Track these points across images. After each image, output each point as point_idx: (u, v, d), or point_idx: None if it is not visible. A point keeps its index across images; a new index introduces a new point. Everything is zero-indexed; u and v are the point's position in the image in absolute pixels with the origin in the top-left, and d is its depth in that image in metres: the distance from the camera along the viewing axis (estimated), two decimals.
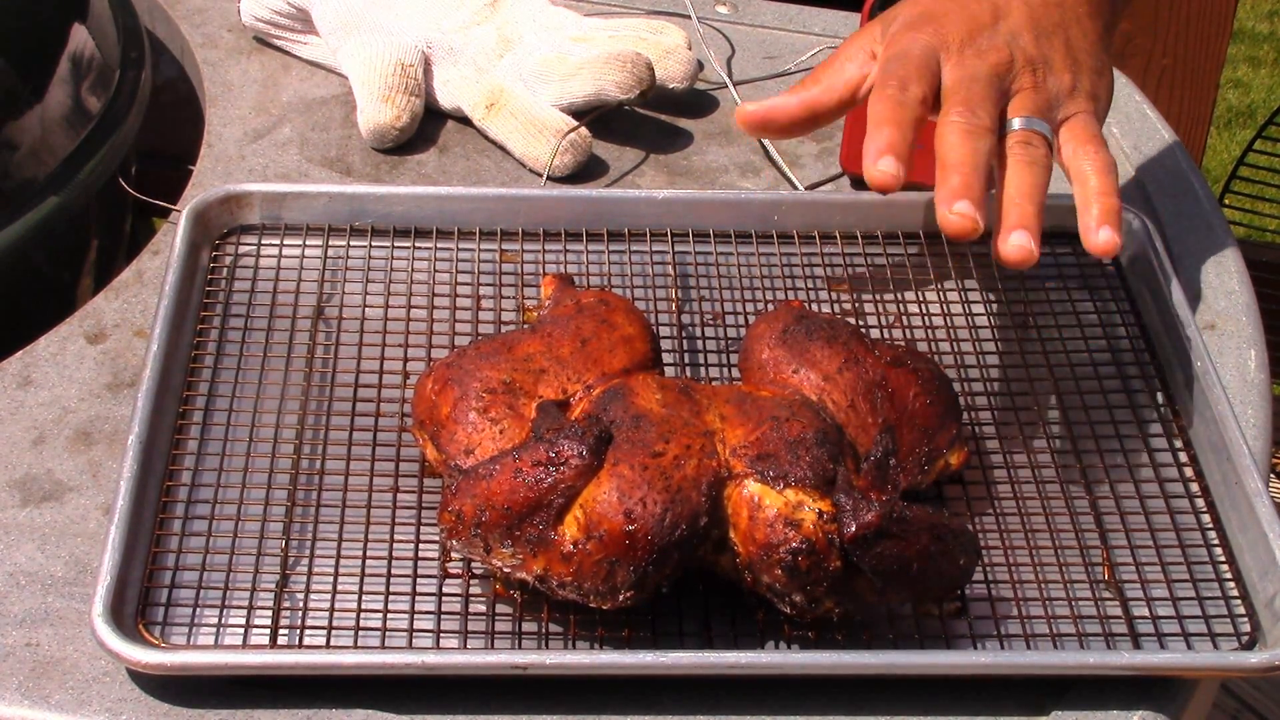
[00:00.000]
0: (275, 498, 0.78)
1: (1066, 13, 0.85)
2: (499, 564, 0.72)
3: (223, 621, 0.73)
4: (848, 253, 0.94)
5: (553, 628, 0.74)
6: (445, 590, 0.74)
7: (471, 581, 0.75)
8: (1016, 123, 0.81)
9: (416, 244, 0.93)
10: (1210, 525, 0.80)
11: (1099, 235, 0.79)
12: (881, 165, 0.78)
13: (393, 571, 0.75)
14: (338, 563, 0.75)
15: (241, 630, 0.72)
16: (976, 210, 0.76)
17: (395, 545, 0.76)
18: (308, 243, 0.92)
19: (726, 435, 0.73)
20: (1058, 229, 0.96)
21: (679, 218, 0.95)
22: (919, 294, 0.92)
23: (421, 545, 0.76)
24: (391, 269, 0.91)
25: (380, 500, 0.78)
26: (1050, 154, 0.81)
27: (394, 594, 0.74)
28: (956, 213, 0.76)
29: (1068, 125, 0.83)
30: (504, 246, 0.93)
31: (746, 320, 0.89)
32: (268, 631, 0.72)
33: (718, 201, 0.95)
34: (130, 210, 1.09)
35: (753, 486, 0.71)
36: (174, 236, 0.89)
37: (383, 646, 0.72)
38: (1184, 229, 0.99)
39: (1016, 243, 0.77)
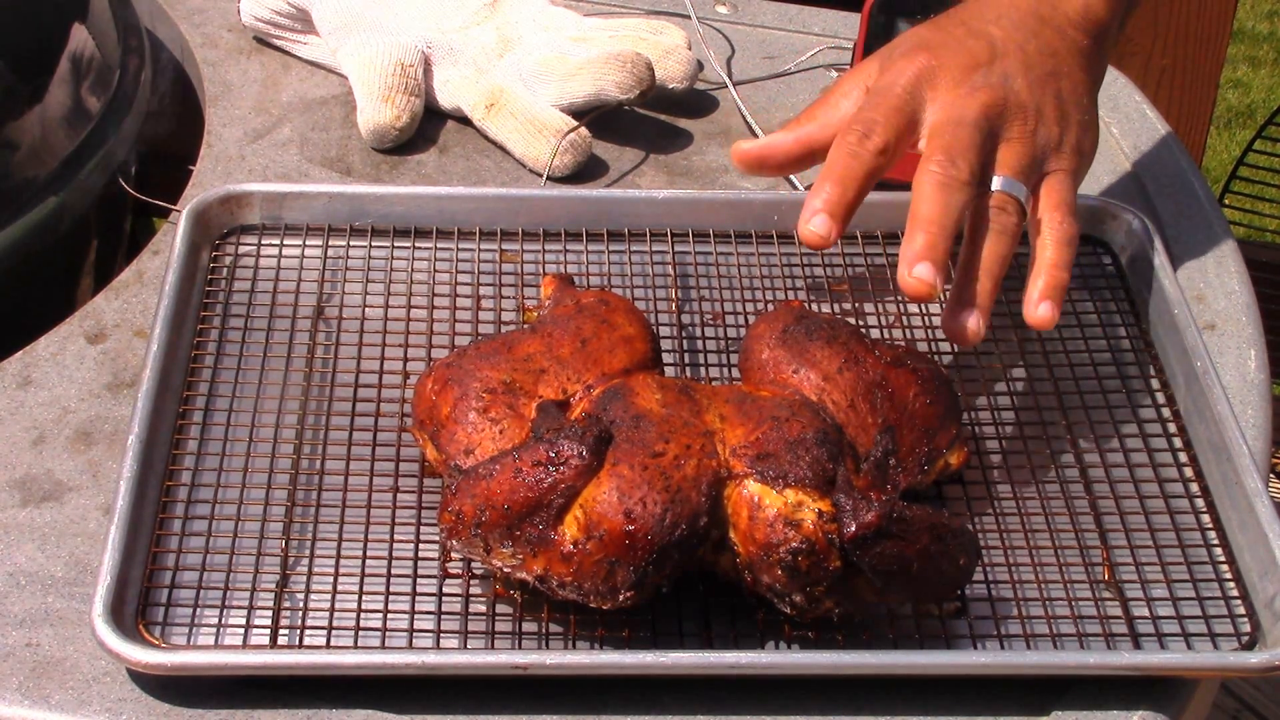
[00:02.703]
0: (275, 498, 0.78)
1: (1060, 62, 0.85)
2: (499, 564, 0.72)
3: (223, 621, 0.73)
4: (848, 253, 0.94)
5: (553, 628, 0.74)
6: (445, 590, 0.74)
7: (471, 581, 0.75)
8: (997, 182, 0.80)
9: (416, 244, 0.93)
10: (1210, 525, 0.80)
11: (1038, 308, 0.80)
12: (813, 225, 0.78)
13: (393, 571, 0.75)
14: (338, 563, 0.75)
15: (241, 630, 0.72)
16: (937, 274, 0.76)
17: (395, 545, 0.76)
18: (308, 243, 0.92)
19: (726, 435, 0.73)
20: None
21: (679, 218, 0.95)
22: None
23: (421, 545, 0.76)
24: (391, 269, 0.91)
25: (380, 500, 0.78)
26: (1021, 222, 0.81)
27: (394, 594, 0.74)
28: (915, 276, 0.76)
29: (1046, 183, 0.82)
30: (504, 246, 0.93)
31: (746, 320, 0.89)
32: (268, 632, 0.72)
33: (718, 201, 0.95)
34: (130, 210, 1.09)
35: (753, 486, 0.71)
36: (174, 236, 0.89)
37: (383, 646, 0.72)
38: (1184, 229, 0.99)
39: (964, 323, 0.78)
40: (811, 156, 0.86)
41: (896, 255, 0.93)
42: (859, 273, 0.93)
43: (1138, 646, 0.74)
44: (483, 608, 0.74)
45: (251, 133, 1.04)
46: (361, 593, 0.74)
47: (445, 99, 1.05)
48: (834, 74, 1.11)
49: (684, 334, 0.89)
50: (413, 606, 0.74)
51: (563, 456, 0.70)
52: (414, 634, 0.73)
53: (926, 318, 0.90)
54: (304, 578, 0.75)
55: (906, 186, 0.98)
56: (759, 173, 0.90)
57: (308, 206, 0.93)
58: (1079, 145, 0.84)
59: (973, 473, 0.81)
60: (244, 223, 0.93)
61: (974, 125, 0.80)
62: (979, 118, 0.81)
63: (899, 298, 0.91)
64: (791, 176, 1.02)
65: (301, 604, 0.74)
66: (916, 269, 0.76)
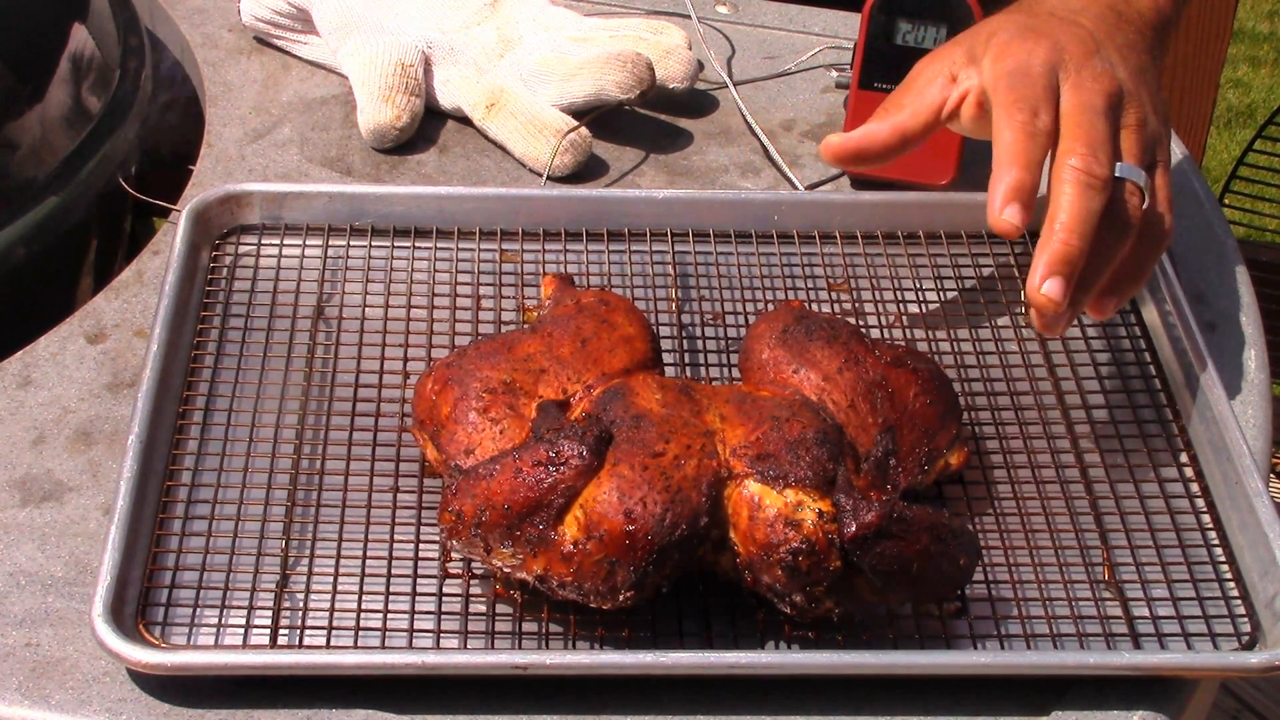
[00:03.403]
0: (275, 498, 0.78)
1: (1141, 56, 0.85)
2: (499, 564, 0.72)
3: (223, 621, 0.73)
4: (848, 253, 0.94)
5: (553, 628, 0.73)
6: (445, 590, 0.74)
7: (472, 581, 0.75)
8: (1120, 169, 0.80)
9: (416, 244, 0.93)
10: (1210, 525, 0.80)
11: (1105, 302, 0.81)
12: (1007, 215, 0.77)
13: (393, 571, 0.75)
14: (338, 563, 0.75)
15: (241, 630, 0.72)
16: (1068, 292, 0.76)
17: (395, 545, 0.76)
18: (308, 243, 0.92)
19: (726, 435, 0.73)
20: None
21: (679, 218, 0.95)
22: (919, 294, 0.92)
23: (422, 545, 0.76)
24: (391, 269, 0.91)
25: (380, 500, 0.78)
26: (1142, 212, 0.80)
27: (394, 594, 0.74)
28: (1046, 294, 0.76)
29: (1158, 176, 0.82)
30: (504, 246, 0.93)
31: (746, 320, 0.89)
32: (268, 631, 0.72)
33: (718, 201, 0.95)
34: (130, 210, 1.09)
35: (753, 486, 0.71)
36: (174, 236, 0.89)
37: (383, 646, 0.72)
38: (1184, 229, 0.99)
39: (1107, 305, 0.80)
40: (905, 146, 0.85)
41: (897, 255, 0.94)
42: (859, 273, 0.93)
43: (1138, 646, 0.74)
44: (483, 608, 0.74)
45: (251, 133, 1.04)
46: (361, 593, 0.74)
47: (445, 99, 1.05)
48: (834, 74, 1.11)
49: (684, 334, 0.89)
50: (413, 606, 0.74)
51: (563, 456, 0.70)
52: (414, 634, 0.72)
53: (926, 317, 0.90)
54: (304, 578, 0.75)
55: (908, 186, 0.98)
56: (856, 166, 0.88)
57: (308, 206, 0.93)
58: (1168, 140, 0.84)
59: (973, 473, 0.81)
60: (244, 223, 0.93)
61: (1105, 114, 0.80)
62: (1107, 106, 0.80)
63: (899, 297, 0.91)
64: (791, 176, 1.02)
65: (301, 604, 0.74)
66: (1048, 286, 0.76)
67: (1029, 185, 0.77)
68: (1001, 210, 0.77)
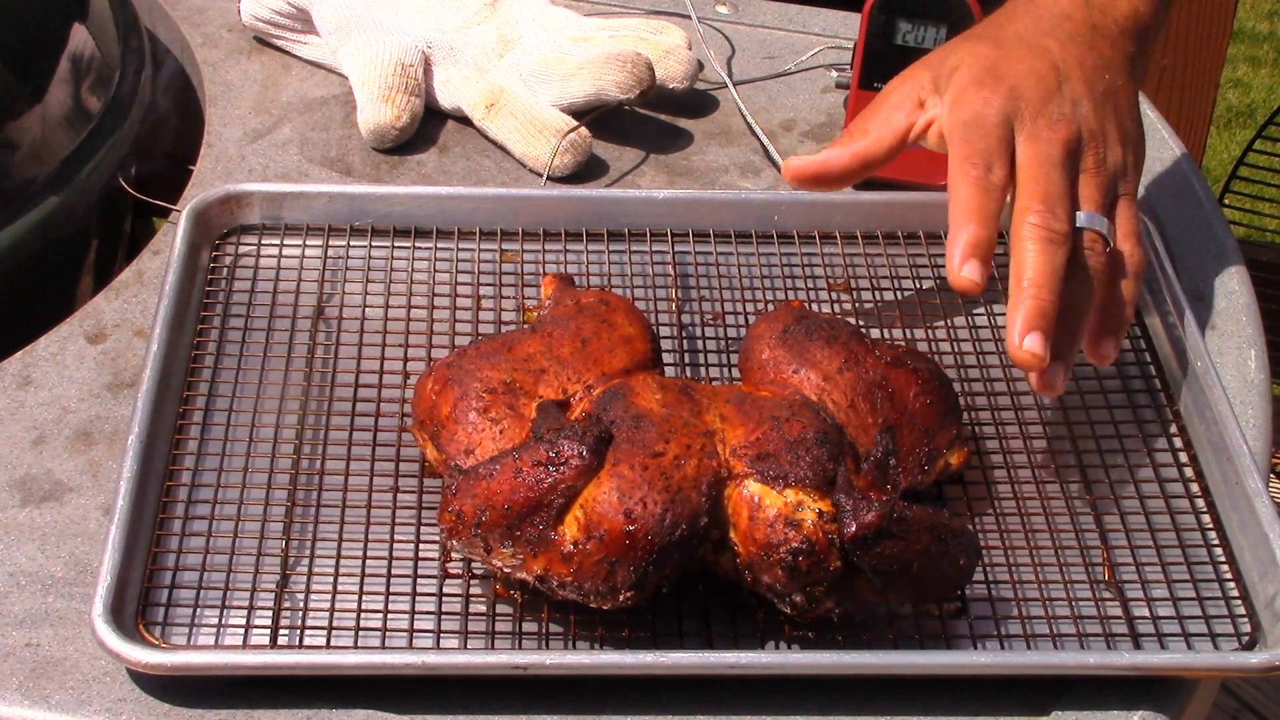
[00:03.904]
0: (275, 498, 0.78)
1: (1115, 76, 0.84)
2: (499, 564, 0.72)
3: (223, 622, 0.73)
4: (848, 253, 0.94)
5: (553, 628, 0.73)
6: (445, 590, 0.74)
7: (472, 581, 0.75)
8: (1081, 219, 0.80)
9: (416, 244, 0.93)
10: (1210, 525, 0.80)
11: (1104, 345, 0.81)
12: (966, 271, 0.77)
13: (393, 571, 0.75)
14: (338, 563, 0.75)
15: (242, 630, 0.72)
16: (1048, 345, 0.76)
17: (395, 545, 0.76)
18: (308, 243, 0.92)
19: (726, 435, 0.73)
20: None
21: (679, 218, 0.95)
22: (919, 294, 0.92)
23: (422, 545, 0.76)
24: (391, 269, 0.91)
25: (380, 500, 0.78)
26: (1108, 258, 0.80)
27: (394, 594, 0.74)
28: (1027, 349, 0.76)
29: (1117, 212, 0.82)
30: (504, 246, 0.93)
31: (746, 320, 0.89)
32: (268, 632, 0.72)
33: (718, 201, 0.95)
34: (130, 210, 1.09)
35: (753, 486, 0.71)
36: (174, 236, 0.89)
37: (383, 646, 0.72)
38: (1184, 229, 0.99)
39: (1053, 380, 0.78)
40: (865, 170, 0.86)
41: (897, 255, 0.94)
42: (859, 273, 0.93)
43: (1138, 646, 0.74)
44: (483, 608, 0.74)
45: (251, 133, 1.04)
46: (361, 593, 0.74)
47: (445, 99, 1.05)
48: (834, 74, 1.11)
49: (684, 334, 0.89)
50: (413, 606, 0.74)
51: (563, 456, 0.70)
52: (414, 634, 0.72)
53: (927, 318, 0.90)
54: (304, 578, 0.75)
55: (908, 186, 0.98)
56: (814, 189, 0.89)
57: (308, 206, 0.93)
58: (1138, 162, 0.84)
59: (973, 473, 0.81)
60: (244, 223, 0.93)
61: (1061, 164, 0.80)
62: (1064, 155, 0.80)
63: (899, 297, 0.91)
64: None
65: (301, 604, 0.74)
66: (1028, 341, 0.76)
67: (985, 241, 0.78)
68: (961, 268, 0.77)
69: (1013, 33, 0.85)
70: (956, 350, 0.88)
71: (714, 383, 0.85)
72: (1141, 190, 1.02)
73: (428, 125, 1.05)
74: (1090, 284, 0.79)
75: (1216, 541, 0.79)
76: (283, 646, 0.72)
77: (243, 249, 0.92)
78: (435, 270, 0.91)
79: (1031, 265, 0.77)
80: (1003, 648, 0.74)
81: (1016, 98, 0.81)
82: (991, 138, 0.80)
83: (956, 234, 0.78)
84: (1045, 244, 0.78)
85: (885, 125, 0.85)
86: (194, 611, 0.73)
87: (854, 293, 0.92)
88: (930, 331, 0.89)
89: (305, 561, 0.76)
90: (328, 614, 0.73)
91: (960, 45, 0.86)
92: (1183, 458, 0.83)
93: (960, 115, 0.82)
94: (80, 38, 1.04)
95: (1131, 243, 0.82)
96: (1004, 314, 0.90)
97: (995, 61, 0.83)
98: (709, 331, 0.89)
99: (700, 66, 1.08)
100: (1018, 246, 0.78)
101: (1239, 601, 0.76)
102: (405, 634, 0.72)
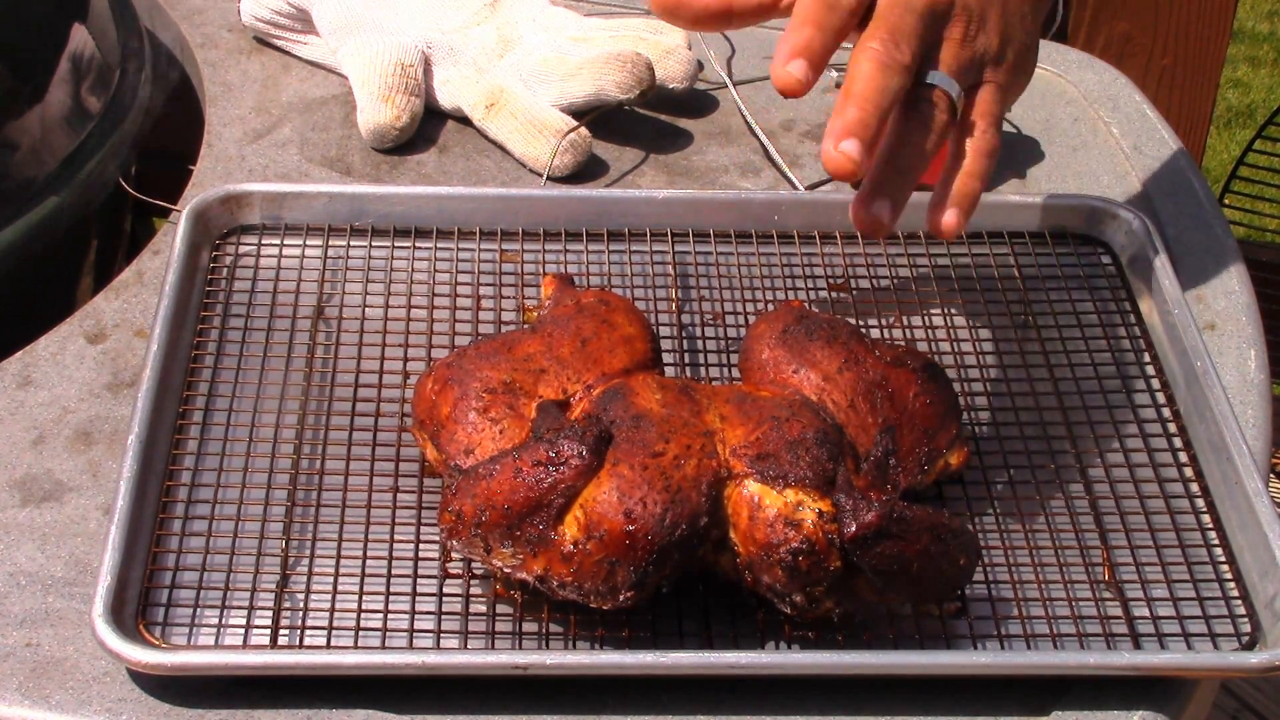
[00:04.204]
0: (275, 498, 0.78)
1: None
2: (499, 564, 0.72)
3: (223, 622, 0.73)
4: (848, 253, 0.94)
5: (553, 628, 0.74)
6: (445, 590, 0.74)
7: (472, 582, 0.75)
8: (933, 77, 0.77)
9: (416, 244, 0.93)
10: (1210, 525, 0.80)
11: (946, 214, 0.77)
12: (791, 68, 0.73)
13: (393, 571, 0.75)
14: (338, 563, 0.75)
15: (242, 630, 0.72)
16: (864, 153, 0.72)
17: (395, 545, 0.76)
18: (308, 243, 0.92)
19: (726, 435, 0.73)
20: (1057, 229, 0.96)
21: (679, 218, 0.95)
22: (918, 294, 0.92)
23: (422, 545, 0.76)
24: (391, 269, 0.91)
25: (380, 500, 0.78)
26: (951, 121, 0.77)
27: (394, 594, 0.74)
28: (842, 151, 0.72)
29: (978, 93, 0.79)
30: (504, 246, 0.93)
31: (746, 320, 0.89)
32: (268, 632, 0.72)
33: (718, 201, 0.95)
34: (130, 210, 1.09)
35: (753, 486, 0.71)
36: (174, 236, 0.89)
37: (383, 646, 0.72)
38: (1184, 229, 0.99)
39: (879, 214, 0.74)
40: (727, 18, 0.80)
41: (897, 255, 0.94)
42: (859, 273, 0.93)
43: (1138, 646, 0.74)
44: (483, 608, 0.74)
45: (251, 133, 1.04)
46: (362, 593, 0.74)
47: (445, 99, 1.05)
48: (834, 74, 1.11)
49: (684, 334, 0.89)
50: (413, 606, 0.74)
51: (563, 456, 0.70)
52: (414, 634, 0.73)
53: (926, 318, 0.90)
54: (304, 578, 0.75)
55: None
56: (669, 19, 0.81)
57: (308, 206, 0.93)
58: (1016, 63, 0.81)
59: (973, 473, 0.81)
60: (244, 223, 0.93)
61: (920, 14, 0.77)
62: (926, 8, 0.77)
63: (899, 298, 0.91)
64: (791, 176, 1.02)
65: (301, 604, 0.74)
66: (844, 144, 0.72)
67: (818, 45, 0.74)
68: (786, 63, 0.74)
69: None
70: (956, 350, 0.88)
71: (714, 383, 0.85)
72: (1141, 189, 1.02)
73: (428, 125, 1.05)
74: (928, 132, 0.76)
75: (1216, 541, 0.79)
76: (283, 646, 0.72)
77: (243, 249, 0.92)
78: (435, 270, 0.91)
79: (861, 80, 0.74)
80: (1003, 648, 0.74)
81: None
82: None
83: (786, 36, 0.74)
84: (881, 66, 0.74)
85: None
86: (194, 611, 0.73)
87: (854, 293, 0.92)
88: (930, 331, 0.89)
89: (305, 561, 0.76)
90: (328, 614, 0.73)
91: None
92: (1182, 458, 0.83)
93: None
94: (80, 38, 1.04)
95: (986, 122, 0.78)
96: (1003, 317, 0.90)
97: None
98: (709, 331, 0.89)
99: (700, 66, 1.08)
100: (852, 69, 0.74)
101: (1239, 601, 0.76)
102: (405, 634, 0.72)
